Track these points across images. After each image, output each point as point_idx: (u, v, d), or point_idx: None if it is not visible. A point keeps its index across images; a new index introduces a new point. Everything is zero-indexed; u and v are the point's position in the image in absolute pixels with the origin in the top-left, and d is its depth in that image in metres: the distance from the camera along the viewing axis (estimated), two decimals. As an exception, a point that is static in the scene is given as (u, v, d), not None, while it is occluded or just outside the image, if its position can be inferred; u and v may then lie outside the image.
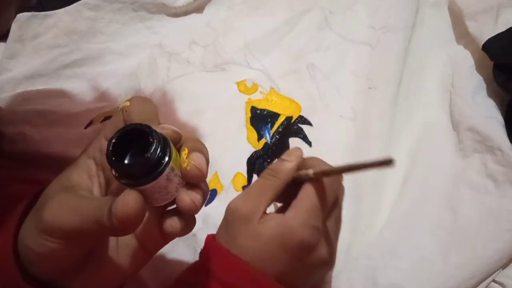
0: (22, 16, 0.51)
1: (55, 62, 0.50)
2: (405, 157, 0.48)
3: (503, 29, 0.46)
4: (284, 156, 0.35)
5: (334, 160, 0.45)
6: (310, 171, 0.32)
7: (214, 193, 0.45)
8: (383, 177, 0.46)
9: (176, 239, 0.28)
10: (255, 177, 0.46)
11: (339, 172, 0.33)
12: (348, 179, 0.38)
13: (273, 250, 0.32)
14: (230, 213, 0.33)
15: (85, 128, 0.48)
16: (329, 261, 0.34)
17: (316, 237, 0.32)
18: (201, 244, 0.35)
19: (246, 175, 0.46)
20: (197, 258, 0.34)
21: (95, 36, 0.51)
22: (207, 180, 0.45)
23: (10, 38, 0.50)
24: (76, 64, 0.51)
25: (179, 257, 0.43)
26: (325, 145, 0.47)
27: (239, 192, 0.45)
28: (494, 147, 0.43)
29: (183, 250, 0.43)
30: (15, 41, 0.50)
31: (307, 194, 0.32)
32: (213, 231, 0.35)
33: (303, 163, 0.34)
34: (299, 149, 0.35)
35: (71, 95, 0.49)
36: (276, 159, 0.46)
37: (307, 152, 0.47)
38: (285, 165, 0.34)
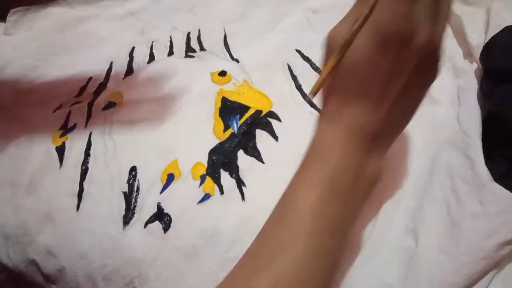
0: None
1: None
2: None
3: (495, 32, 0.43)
4: None
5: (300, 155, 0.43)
6: None
7: (171, 177, 0.44)
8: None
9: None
10: (222, 173, 0.44)
11: None
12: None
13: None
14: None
15: (54, 111, 0.49)
16: (434, 40, 0.28)
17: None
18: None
19: (206, 165, 0.44)
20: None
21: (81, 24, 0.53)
22: (166, 165, 0.44)
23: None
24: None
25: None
26: (292, 140, 0.45)
27: (197, 181, 0.43)
28: (466, 164, 0.39)
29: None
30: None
31: None
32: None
33: None
34: None
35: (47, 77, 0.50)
36: (241, 149, 0.45)
37: (272, 146, 0.45)
38: None
